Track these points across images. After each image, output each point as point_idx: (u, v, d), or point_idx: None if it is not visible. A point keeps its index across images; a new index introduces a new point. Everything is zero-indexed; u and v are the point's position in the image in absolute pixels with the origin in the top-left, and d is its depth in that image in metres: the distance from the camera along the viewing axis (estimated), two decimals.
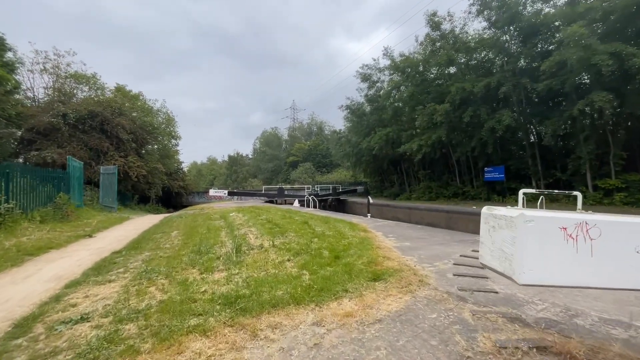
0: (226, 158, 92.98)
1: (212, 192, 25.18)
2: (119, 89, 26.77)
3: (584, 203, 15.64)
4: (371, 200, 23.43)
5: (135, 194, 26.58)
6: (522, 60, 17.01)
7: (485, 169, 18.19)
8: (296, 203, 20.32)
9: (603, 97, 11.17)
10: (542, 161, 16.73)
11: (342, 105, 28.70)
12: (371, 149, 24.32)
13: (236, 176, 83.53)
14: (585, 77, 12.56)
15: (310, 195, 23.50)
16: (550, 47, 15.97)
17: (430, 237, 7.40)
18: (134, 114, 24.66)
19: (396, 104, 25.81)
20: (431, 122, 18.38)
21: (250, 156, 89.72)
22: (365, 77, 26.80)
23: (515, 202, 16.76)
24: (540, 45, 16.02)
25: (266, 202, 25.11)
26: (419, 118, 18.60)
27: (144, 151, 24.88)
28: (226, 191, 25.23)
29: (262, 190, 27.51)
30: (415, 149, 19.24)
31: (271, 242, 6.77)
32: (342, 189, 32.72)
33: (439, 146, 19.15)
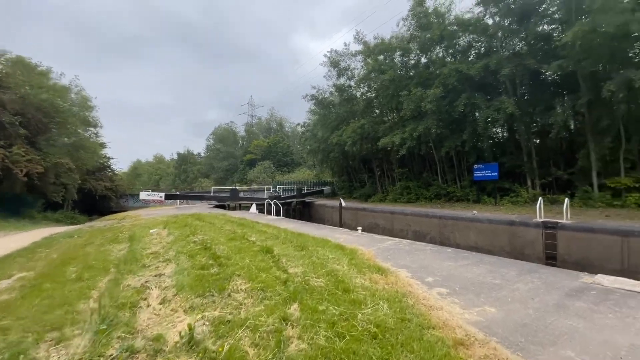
0: (176, 156, 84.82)
1: (143, 195, 19.67)
2: (18, 61, 19.82)
3: (588, 205, 13.93)
4: (343, 204, 20.11)
5: (39, 199, 19.98)
6: (516, 43, 14.96)
7: (475, 166, 15.85)
8: (253, 208, 16.10)
9: None
10: (538, 158, 14.78)
11: (307, 95, 24.95)
12: (342, 145, 20.98)
13: (186, 176, 76.16)
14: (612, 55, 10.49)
15: (271, 198, 19.37)
16: (546, 29, 14.10)
17: (506, 282, 4.00)
18: (32, 90, 18.11)
19: (368, 94, 22.90)
20: (417, 110, 15.53)
21: (202, 154, 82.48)
22: (334, 63, 23.42)
23: (510, 204, 14.59)
24: (539, 26, 13.97)
25: (216, 206, 20.40)
26: (405, 104, 15.63)
27: (43, 141, 18.45)
28: (162, 194, 19.90)
29: (210, 193, 22.56)
30: (397, 143, 16.25)
31: (192, 324, 2.75)
32: (307, 189, 28.99)
33: (425, 140, 16.39)
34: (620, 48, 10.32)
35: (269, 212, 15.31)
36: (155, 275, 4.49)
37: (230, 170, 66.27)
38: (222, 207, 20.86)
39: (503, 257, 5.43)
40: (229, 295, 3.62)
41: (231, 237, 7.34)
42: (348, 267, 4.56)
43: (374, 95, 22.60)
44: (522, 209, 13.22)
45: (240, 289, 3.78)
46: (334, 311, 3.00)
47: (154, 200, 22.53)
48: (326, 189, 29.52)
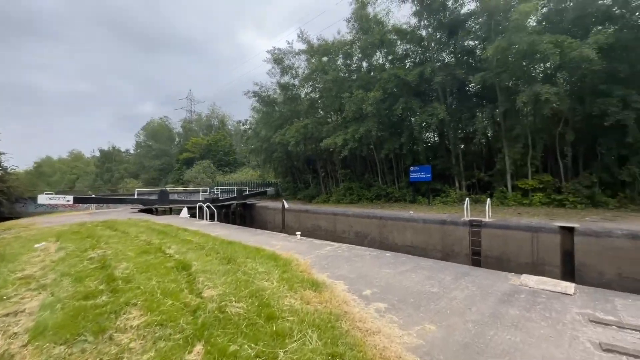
0: (98, 153, 74.72)
1: (43, 199, 16.17)
2: None
3: (504, 204, 15.64)
4: (286, 205, 19.44)
5: None
6: (446, 55, 16.17)
7: (411, 168, 16.67)
8: (184, 212, 14.40)
9: (548, 90, 10.34)
10: (464, 161, 16.15)
11: (249, 92, 23.65)
12: (285, 144, 20.30)
13: (110, 175, 67.51)
14: (524, 69, 11.89)
15: (207, 200, 17.71)
16: (471, 44, 15.53)
17: (443, 291, 3.82)
18: None
19: (312, 94, 22.72)
20: (359, 112, 15.69)
21: (132, 151, 73.94)
22: (277, 60, 22.63)
23: (441, 204, 15.65)
24: (464, 41, 15.26)
25: (142, 211, 17.93)
26: (347, 106, 15.66)
27: None
28: (70, 197, 16.65)
29: (134, 195, 19.64)
30: (340, 144, 16.22)
31: None
32: (249, 191, 27.55)
33: (366, 141, 16.67)
34: (530, 66, 11.74)
35: (203, 216, 13.83)
36: (8, 315, 3.24)
37: (164, 170, 60.43)
38: (150, 211, 18.42)
39: (438, 260, 5.40)
40: (110, 337, 2.69)
41: (144, 249, 6.11)
42: (278, 284, 3.92)
43: (317, 96, 22.50)
44: (451, 209, 14.22)
45: (130, 327, 2.86)
46: (250, 351, 2.34)
47: (62, 205, 18.88)
48: (270, 190, 28.50)
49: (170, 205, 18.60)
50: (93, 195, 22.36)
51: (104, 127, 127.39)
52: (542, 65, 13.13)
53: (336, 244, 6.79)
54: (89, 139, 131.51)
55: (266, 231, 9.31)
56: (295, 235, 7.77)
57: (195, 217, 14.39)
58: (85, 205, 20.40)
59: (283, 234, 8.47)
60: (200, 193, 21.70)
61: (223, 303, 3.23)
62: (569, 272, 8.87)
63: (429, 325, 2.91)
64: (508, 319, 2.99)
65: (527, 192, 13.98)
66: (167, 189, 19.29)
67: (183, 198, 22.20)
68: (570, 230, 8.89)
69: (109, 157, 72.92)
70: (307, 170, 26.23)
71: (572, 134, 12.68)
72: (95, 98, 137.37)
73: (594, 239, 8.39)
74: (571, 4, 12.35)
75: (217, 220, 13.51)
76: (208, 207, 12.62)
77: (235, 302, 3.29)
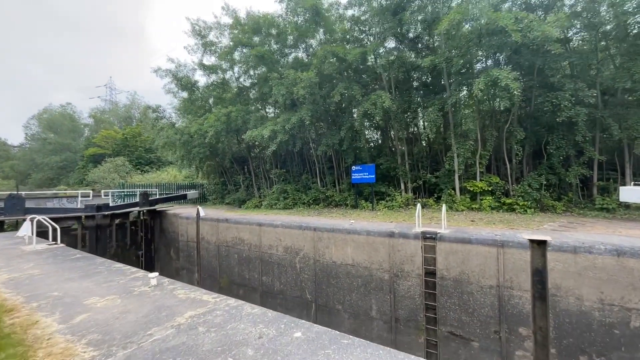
0: None
1: None
2: None
3: (453, 209, 13.95)
4: (202, 213, 15.37)
5: None
6: (394, 43, 14.15)
7: (353, 167, 14.26)
8: (26, 228, 9.51)
9: (507, 74, 8.66)
10: (410, 161, 14.30)
11: (160, 69, 18.91)
12: (204, 136, 16.30)
13: None
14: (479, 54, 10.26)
15: (87, 208, 12.79)
16: (418, 29, 13.78)
17: None
18: None
19: (242, 79, 19.13)
20: (290, 97, 12.68)
21: (26, 146, 60.05)
22: (199, 34, 18.48)
23: (386, 209, 13.51)
24: (410, 25, 13.39)
25: None
26: (275, 89, 12.47)
27: None
28: None
29: None
30: (267, 137, 12.97)
31: None
32: (165, 194, 22.48)
33: (299, 135, 13.72)
34: (483, 47, 10.15)
35: (52, 235, 9.16)
36: None
37: (65, 168, 49.86)
38: None
39: (393, 353, 2.53)
40: None
41: None
42: None
43: (249, 83, 19.01)
44: (398, 215, 12.11)
45: None
46: None
47: None
48: (191, 192, 23.77)
49: (26, 216, 13.06)
50: None
51: (3, 117, 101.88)
52: (493, 53, 11.80)
53: (210, 304, 3.52)
54: None
55: (116, 265, 5.54)
56: (150, 278, 4.30)
57: (35, 235, 9.58)
58: None
59: (133, 276, 4.88)
60: (79, 198, 16.15)
61: None
62: (540, 296, 7.12)
63: None
64: None
65: (476, 195, 12.59)
66: (19, 193, 13.40)
67: (58, 205, 16.43)
68: (541, 244, 7.16)
69: None
70: (239, 170, 22.33)
71: (522, 131, 11.56)
72: None
73: (571, 256, 6.69)
74: None
75: (59, 243, 9.05)
76: (46, 221, 8.16)
77: None
